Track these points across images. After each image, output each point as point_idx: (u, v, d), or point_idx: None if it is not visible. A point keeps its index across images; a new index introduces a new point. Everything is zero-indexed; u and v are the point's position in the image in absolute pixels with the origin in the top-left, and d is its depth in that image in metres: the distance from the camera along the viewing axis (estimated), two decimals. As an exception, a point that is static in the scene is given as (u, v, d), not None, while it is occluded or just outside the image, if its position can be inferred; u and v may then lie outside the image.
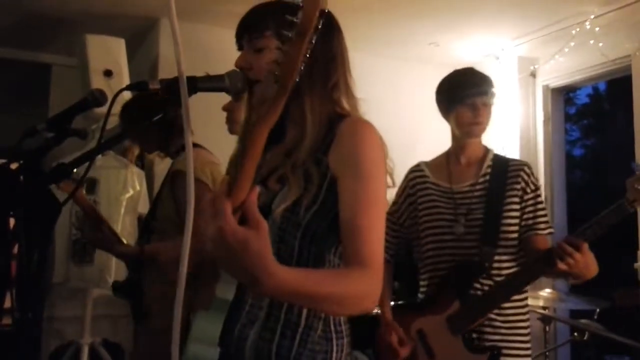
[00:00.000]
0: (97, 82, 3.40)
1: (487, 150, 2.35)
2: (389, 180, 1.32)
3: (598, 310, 3.28)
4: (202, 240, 0.99)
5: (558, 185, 4.52)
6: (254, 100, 1.34)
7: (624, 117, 3.88)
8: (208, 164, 2.39)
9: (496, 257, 2.18)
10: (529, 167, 2.28)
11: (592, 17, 3.92)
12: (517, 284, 2.14)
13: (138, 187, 3.62)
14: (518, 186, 2.22)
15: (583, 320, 3.22)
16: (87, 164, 1.40)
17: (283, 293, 1.04)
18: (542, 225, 2.20)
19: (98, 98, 1.46)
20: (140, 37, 4.23)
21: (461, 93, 2.29)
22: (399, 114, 4.53)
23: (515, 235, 2.20)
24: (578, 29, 4.00)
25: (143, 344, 2.55)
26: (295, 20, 1.03)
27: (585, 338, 3.16)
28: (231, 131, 2.37)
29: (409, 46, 4.56)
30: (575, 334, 3.24)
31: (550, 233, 2.22)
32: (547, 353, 3.34)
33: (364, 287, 1.17)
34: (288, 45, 1.03)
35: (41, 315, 3.55)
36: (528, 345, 2.22)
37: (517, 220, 2.21)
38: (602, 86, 4.75)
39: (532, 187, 2.24)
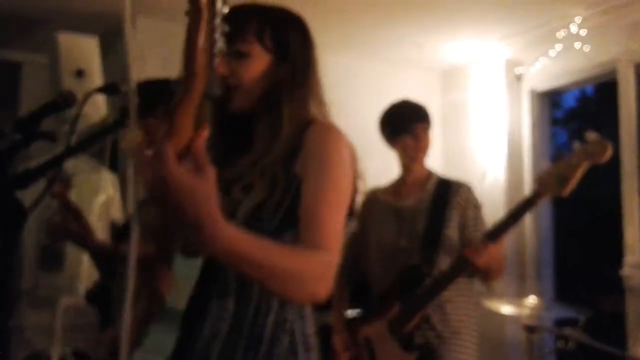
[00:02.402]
0: (68, 82, 3.29)
1: (430, 173, 2.61)
2: (359, 183, 1.32)
3: (583, 318, 3.26)
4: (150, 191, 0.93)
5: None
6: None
7: (612, 121, 3.83)
8: None
9: (439, 261, 2.40)
10: (469, 188, 2.55)
11: (578, 20, 3.88)
12: (444, 280, 2.33)
13: (111, 193, 3.52)
14: (459, 205, 2.48)
15: (568, 329, 3.18)
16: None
17: (229, 250, 0.98)
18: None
19: (67, 99, 1.42)
20: (113, 36, 4.13)
21: (404, 124, 2.54)
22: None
23: (455, 245, 2.43)
24: (564, 32, 3.95)
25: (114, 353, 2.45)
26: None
27: (570, 347, 3.14)
28: None
29: (393, 49, 4.50)
30: (560, 343, 3.20)
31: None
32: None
33: (319, 267, 1.13)
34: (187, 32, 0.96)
35: (7, 325, 3.42)
36: (471, 352, 2.44)
37: (457, 232, 2.46)
38: (589, 90, 4.73)
39: (472, 205, 2.50)
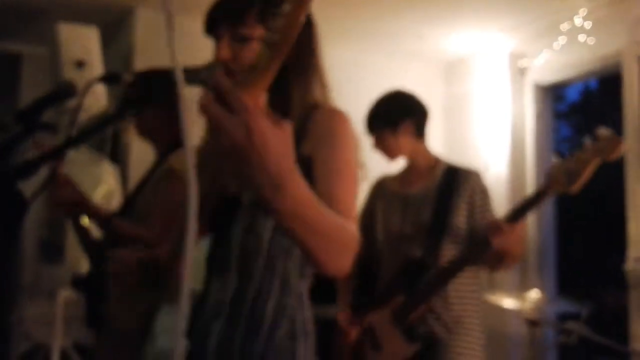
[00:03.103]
0: (69, 72, 3.28)
1: (437, 160, 2.58)
2: (360, 173, 1.31)
3: (586, 312, 3.25)
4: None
5: (546, 184, 4.46)
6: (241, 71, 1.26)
7: (616, 115, 3.81)
8: None
9: (445, 250, 2.39)
10: (477, 174, 2.53)
11: (583, 12, 3.85)
12: (453, 269, 2.31)
13: (112, 184, 3.50)
14: (466, 192, 2.45)
15: (570, 323, 3.17)
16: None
17: (296, 210, 0.91)
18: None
19: (68, 90, 1.41)
20: (114, 27, 4.12)
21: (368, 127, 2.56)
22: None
23: (463, 229, 2.42)
24: (568, 25, 3.92)
25: (106, 346, 2.43)
26: None
27: (572, 341, 3.13)
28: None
29: (396, 41, 4.47)
30: (562, 337, 3.20)
31: None
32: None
33: (351, 233, 1.12)
34: (284, 12, 0.90)
35: (9, 317, 3.42)
36: (477, 340, 2.42)
37: (465, 220, 2.44)
38: (593, 84, 4.71)
39: (480, 191, 2.48)
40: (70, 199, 2.25)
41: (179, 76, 0.98)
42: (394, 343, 2.31)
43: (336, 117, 1.31)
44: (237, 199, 1.28)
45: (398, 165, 2.65)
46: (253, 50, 1.27)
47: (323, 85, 1.37)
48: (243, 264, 1.24)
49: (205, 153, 1.39)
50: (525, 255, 2.41)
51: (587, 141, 2.12)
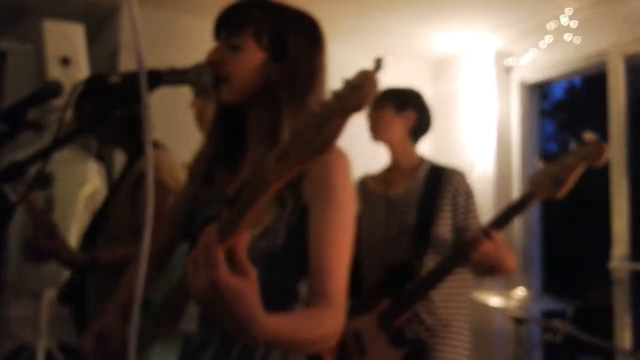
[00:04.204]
0: (54, 70, 3.23)
1: (422, 160, 2.56)
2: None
3: (571, 310, 3.27)
4: (189, 287, 0.96)
5: (532, 182, 4.48)
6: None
7: (600, 113, 3.83)
8: (173, 167, 2.26)
9: (429, 259, 2.36)
10: (461, 175, 2.49)
11: (569, 11, 3.87)
12: (438, 275, 2.26)
13: (97, 184, 3.47)
14: (450, 193, 2.43)
15: (556, 321, 3.19)
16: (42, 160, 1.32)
17: (267, 341, 1.04)
18: (473, 228, 2.40)
19: (54, 89, 1.40)
20: (99, 24, 4.09)
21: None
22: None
23: (447, 237, 2.40)
24: (554, 24, 3.94)
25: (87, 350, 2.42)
26: (339, 92, 0.89)
27: (558, 339, 3.14)
28: (201, 129, 2.25)
29: (384, 39, 4.46)
30: (548, 335, 3.22)
31: None
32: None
33: (332, 327, 1.19)
34: (326, 113, 0.87)
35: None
36: (464, 344, 2.42)
37: (449, 223, 2.42)
38: (577, 82, 4.74)
39: (464, 191, 2.45)
40: (52, 252, 2.27)
41: (144, 82, 1.00)
42: (379, 348, 2.29)
43: (335, 158, 1.29)
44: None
45: (380, 161, 2.63)
46: (242, 60, 1.31)
47: None
48: None
49: (199, 165, 1.38)
50: (514, 267, 2.37)
51: (573, 146, 2.11)
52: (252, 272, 0.94)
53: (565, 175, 2.08)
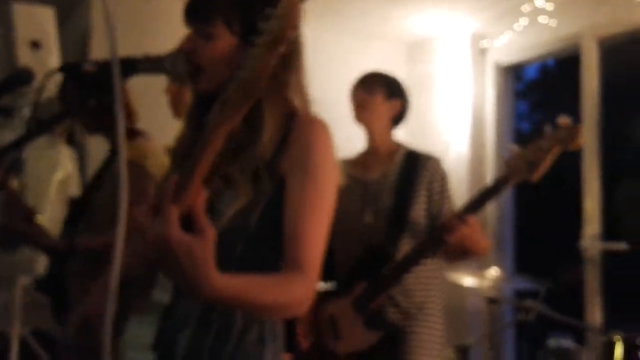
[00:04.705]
0: (24, 54, 3.17)
1: (398, 145, 2.58)
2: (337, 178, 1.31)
3: (543, 289, 3.32)
4: (143, 242, 0.99)
5: (506, 163, 4.53)
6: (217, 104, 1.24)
7: (571, 94, 3.87)
8: (159, 156, 2.25)
9: (403, 243, 2.39)
10: (436, 161, 2.53)
11: (544, -7, 3.89)
12: (413, 259, 2.30)
13: (69, 169, 3.44)
14: (425, 179, 2.46)
15: (528, 301, 3.24)
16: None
17: (221, 300, 1.05)
18: (447, 213, 2.45)
19: (25, 76, 1.42)
20: (70, 7, 4.00)
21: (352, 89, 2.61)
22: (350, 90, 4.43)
23: (422, 222, 2.44)
24: (529, 7, 3.95)
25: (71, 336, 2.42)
26: (264, 26, 0.95)
27: (530, 318, 3.20)
28: (175, 115, 2.23)
29: (359, 21, 4.45)
30: (521, 314, 3.26)
31: None
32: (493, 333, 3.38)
33: (300, 294, 1.19)
34: (255, 53, 0.95)
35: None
36: (438, 326, 2.46)
37: (424, 207, 2.45)
38: (550, 62, 4.79)
39: (439, 177, 2.49)
40: (29, 236, 2.25)
41: (116, 69, 1.01)
42: (354, 332, 2.32)
43: (314, 130, 1.29)
44: (210, 208, 1.25)
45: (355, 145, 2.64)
46: (215, 48, 1.30)
47: (302, 93, 1.34)
48: None
49: (179, 149, 1.38)
50: (489, 244, 2.41)
51: (548, 129, 2.13)
52: (209, 231, 0.96)
53: (540, 159, 2.11)
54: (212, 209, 1.24)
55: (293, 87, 1.32)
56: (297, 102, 1.32)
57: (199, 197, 0.97)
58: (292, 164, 1.26)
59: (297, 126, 1.28)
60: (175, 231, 0.94)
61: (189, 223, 0.96)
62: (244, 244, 1.27)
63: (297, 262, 1.20)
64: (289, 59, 1.31)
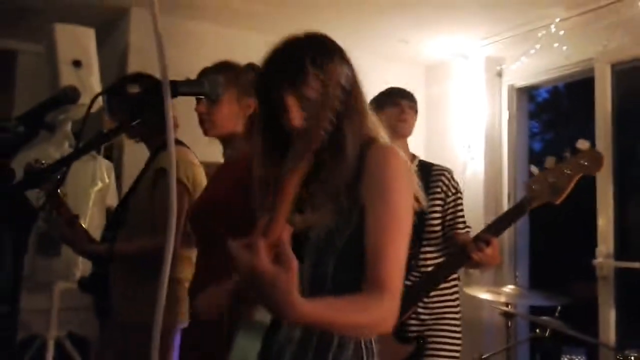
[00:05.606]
0: (66, 72, 3.33)
1: (413, 157, 2.65)
2: (416, 202, 1.41)
3: (559, 306, 3.36)
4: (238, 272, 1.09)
5: (520, 181, 4.61)
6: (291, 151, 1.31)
7: (581, 114, 3.96)
8: (189, 165, 2.40)
9: (422, 254, 2.46)
10: (450, 172, 2.61)
11: (558, 20, 4.00)
12: (439, 276, 2.37)
13: (107, 180, 3.56)
14: (440, 190, 2.53)
15: (544, 317, 3.29)
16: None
17: (306, 323, 1.16)
18: (461, 225, 2.55)
19: (71, 95, 1.47)
20: (109, 27, 4.14)
21: (390, 98, 2.64)
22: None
23: (439, 233, 2.51)
24: (544, 32, 4.07)
25: (109, 339, 2.54)
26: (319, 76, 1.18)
27: (546, 334, 3.24)
28: (206, 133, 2.37)
29: (377, 42, 4.58)
30: (537, 330, 3.31)
31: (467, 231, 2.55)
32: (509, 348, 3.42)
33: (381, 313, 1.25)
34: (315, 103, 1.13)
35: (16, 310, 3.48)
36: (456, 335, 2.52)
37: (440, 220, 2.52)
38: (560, 85, 4.92)
39: (453, 190, 2.56)
40: (74, 242, 2.40)
41: (166, 89, 1.15)
42: (388, 347, 2.30)
43: (388, 157, 1.37)
44: (304, 234, 1.38)
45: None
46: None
47: (373, 120, 1.45)
48: (311, 295, 1.28)
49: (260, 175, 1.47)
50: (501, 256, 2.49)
51: (567, 154, 2.20)
52: (293, 263, 1.05)
53: (564, 184, 2.19)
54: (306, 237, 1.37)
55: (364, 115, 1.43)
56: (370, 128, 1.43)
57: (284, 232, 1.09)
58: (370, 192, 1.34)
59: (373, 154, 1.38)
60: (262, 262, 1.03)
61: (277, 255, 1.07)
62: (334, 266, 1.37)
63: (379, 282, 1.26)
64: (360, 90, 1.45)
